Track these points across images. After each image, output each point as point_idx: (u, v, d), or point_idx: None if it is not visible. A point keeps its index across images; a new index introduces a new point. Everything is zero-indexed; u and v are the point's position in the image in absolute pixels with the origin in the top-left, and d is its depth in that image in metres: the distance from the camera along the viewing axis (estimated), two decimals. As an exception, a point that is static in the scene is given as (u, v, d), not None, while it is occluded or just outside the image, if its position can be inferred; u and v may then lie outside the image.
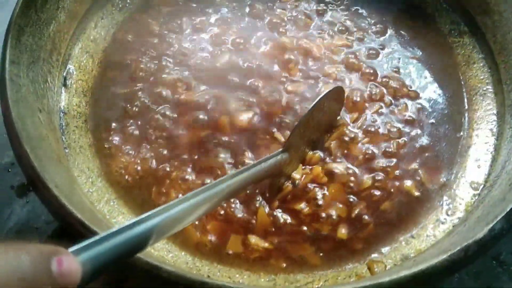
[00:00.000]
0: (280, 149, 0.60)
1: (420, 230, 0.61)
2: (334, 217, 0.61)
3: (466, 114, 0.71)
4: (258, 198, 0.61)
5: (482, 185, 0.62)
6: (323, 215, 0.61)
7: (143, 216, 0.41)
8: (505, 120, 0.65)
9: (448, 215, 0.62)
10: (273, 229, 0.60)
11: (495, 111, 0.69)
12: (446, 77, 0.74)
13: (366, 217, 0.61)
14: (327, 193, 0.62)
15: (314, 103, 0.62)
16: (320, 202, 0.61)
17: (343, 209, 0.61)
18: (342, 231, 0.60)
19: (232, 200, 0.61)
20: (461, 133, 0.69)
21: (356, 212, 0.61)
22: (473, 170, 0.65)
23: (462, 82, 0.74)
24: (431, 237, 0.60)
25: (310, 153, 0.65)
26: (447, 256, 0.44)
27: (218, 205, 0.50)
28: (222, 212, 0.61)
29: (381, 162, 0.65)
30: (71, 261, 0.32)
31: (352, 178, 0.63)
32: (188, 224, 0.47)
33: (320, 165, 0.64)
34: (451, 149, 0.67)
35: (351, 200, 0.62)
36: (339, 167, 0.64)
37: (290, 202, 0.62)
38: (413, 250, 0.59)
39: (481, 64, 0.74)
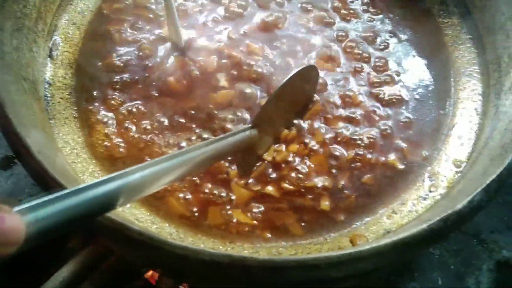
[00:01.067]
0: (249, 125, 0.59)
1: (402, 205, 0.62)
2: (317, 188, 0.61)
3: (452, 93, 0.71)
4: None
5: (465, 163, 0.63)
6: (303, 188, 0.61)
7: (105, 178, 0.40)
8: (490, 100, 0.66)
9: (430, 191, 0.62)
10: (255, 201, 0.61)
11: (480, 91, 0.69)
12: (433, 57, 0.75)
13: (348, 190, 0.62)
14: (308, 165, 0.63)
15: (284, 80, 0.61)
16: (301, 175, 0.62)
17: (326, 180, 0.62)
18: (326, 203, 0.61)
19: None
20: (446, 111, 0.70)
21: (339, 184, 0.62)
22: (457, 148, 0.66)
23: (449, 62, 0.74)
24: (413, 213, 0.61)
25: (286, 131, 0.65)
26: (426, 226, 0.45)
27: (187, 174, 0.49)
28: (202, 187, 0.61)
29: (364, 135, 0.66)
30: (14, 219, 0.32)
31: (333, 152, 0.64)
32: (154, 190, 0.45)
33: (297, 142, 0.64)
34: (435, 126, 0.68)
35: (334, 172, 0.63)
36: (317, 142, 0.64)
37: (268, 176, 0.62)
38: (395, 225, 0.60)
39: (469, 45, 0.74)
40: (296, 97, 0.65)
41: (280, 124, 0.65)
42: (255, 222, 0.60)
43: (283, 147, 0.64)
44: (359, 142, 0.65)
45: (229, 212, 0.60)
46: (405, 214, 0.61)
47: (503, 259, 0.69)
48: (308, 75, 0.66)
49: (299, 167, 0.63)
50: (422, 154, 0.66)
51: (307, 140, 0.64)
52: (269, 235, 0.59)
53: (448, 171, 0.64)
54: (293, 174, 0.62)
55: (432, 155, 0.66)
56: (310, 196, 0.61)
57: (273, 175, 0.62)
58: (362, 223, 0.61)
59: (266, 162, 0.63)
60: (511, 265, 0.69)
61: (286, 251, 0.59)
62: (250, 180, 0.62)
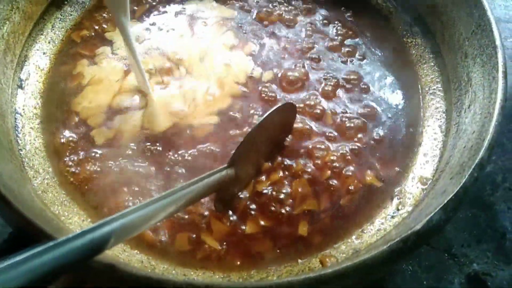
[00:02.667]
0: (225, 165, 0.59)
1: (371, 224, 0.63)
2: (297, 213, 0.62)
3: (419, 111, 0.73)
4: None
5: (430, 180, 0.65)
6: (282, 216, 0.62)
7: (91, 226, 0.41)
8: (452, 117, 0.68)
9: (398, 209, 0.64)
10: (231, 232, 0.61)
11: (443, 109, 0.71)
12: (402, 75, 0.77)
13: (325, 212, 0.63)
14: (288, 191, 0.64)
15: (261, 118, 0.62)
16: (282, 203, 0.63)
17: (308, 204, 0.63)
18: (304, 228, 0.62)
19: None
20: (413, 129, 0.71)
21: (321, 206, 0.63)
22: (423, 165, 0.67)
23: (416, 80, 0.77)
24: (381, 231, 0.62)
25: (267, 164, 0.65)
26: (386, 247, 0.46)
27: (168, 216, 0.51)
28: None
29: (337, 155, 0.67)
30: None
31: (311, 173, 0.65)
32: (137, 233, 0.47)
33: (278, 170, 0.65)
34: (405, 144, 0.69)
35: (313, 195, 0.64)
36: (297, 165, 0.66)
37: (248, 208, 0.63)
38: (364, 244, 0.61)
39: (432, 64, 0.76)
40: (274, 132, 0.66)
41: (258, 160, 0.65)
42: (226, 250, 0.60)
43: (264, 177, 0.65)
44: (334, 162, 0.66)
45: (203, 239, 0.60)
46: (373, 232, 0.62)
47: (473, 272, 0.70)
48: (285, 112, 0.67)
49: (279, 195, 0.63)
50: (393, 172, 0.67)
51: (287, 166, 0.65)
52: (239, 262, 0.59)
53: (414, 189, 0.65)
54: (273, 204, 0.63)
55: (401, 173, 0.67)
56: (288, 223, 0.62)
57: (253, 206, 0.63)
58: (333, 243, 0.62)
59: (245, 195, 0.63)
60: (481, 278, 0.70)
61: (257, 274, 0.59)
62: (229, 213, 0.62)
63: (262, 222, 0.61)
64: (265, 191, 0.63)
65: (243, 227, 0.61)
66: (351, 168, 0.66)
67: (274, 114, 0.62)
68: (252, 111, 0.71)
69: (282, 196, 0.63)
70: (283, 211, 0.62)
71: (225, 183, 0.58)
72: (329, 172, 0.65)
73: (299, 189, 0.64)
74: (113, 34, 0.79)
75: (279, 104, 0.66)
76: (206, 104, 0.71)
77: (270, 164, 0.65)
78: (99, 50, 0.77)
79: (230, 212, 0.62)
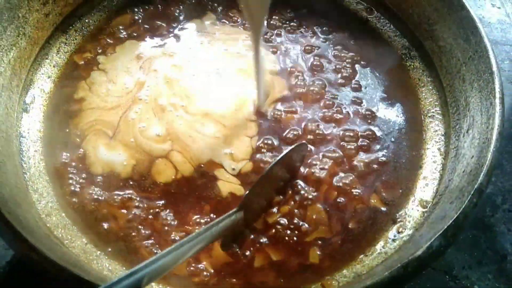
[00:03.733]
0: (235, 209, 0.60)
1: (372, 248, 0.63)
2: (307, 240, 0.63)
3: (419, 134, 0.74)
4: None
5: (430, 203, 0.65)
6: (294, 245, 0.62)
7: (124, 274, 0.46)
8: (450, 141, 0.69)
9: (398, 232, 0.64)
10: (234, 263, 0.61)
11: (442, 132, 0.72)
12: (404, 99, 0.78)
13: (335, 237, 0.63)
14: (299, 222, 0.64)
15: (276, 160, 0.62)
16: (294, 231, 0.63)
17: (321, 229, 0.63)
18: (315, 255, 0.62)
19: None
20: (414, 152, 0.72)
21: (330, 232, 0.63)
22: (423, 188, 0.68)
23: (416, 103, 0.77)
24: (382, 254, 0.62)
25: (278, 198, 0.66)
26: (387, 273, 0.46)
27: (185, 260, 0.54)
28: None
29: (344, 178, 0.68)
30: None
31: (319, 197, 0.66)
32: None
33: (289, 202, 0.66)
34: (405, 168, 0.70)
35: (326, 218, 0.64)
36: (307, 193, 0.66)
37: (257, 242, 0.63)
38: (365, 268, 0.61)
39: (430, 87, 0.77)
40: (288, 171, 0.67)
41: (269, 197, 0.65)
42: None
43: (275, 209, 0.65)
44: (339, 183, 0.67)
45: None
46: (375, 256, 0.62)
47: (475, 294, 0.71)
48: (298, 152, 0.67)
49: (291, 225, 0.63)
50: (396, 194, 0.68)
51: (297, 197, 0.66)
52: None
53: (415, 212, 0.66)
54: (284, 234, 0.63)
55: (403, 195, 0.68)
56: (299, 252, 0.62)
57: (263, 240, 0.63)
58: (337, 268, 0.62)
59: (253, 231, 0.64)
60: (483, 301, 0.70)
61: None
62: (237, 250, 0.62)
63: (272, 256, 0.62)
64: (276, 223, 0.64)
65: (249, 260, 0.61)
66: (358, 190, 0.67)
67: (286, 156, 0.63)
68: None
69: (293, 225, 0.64)
70: (294, 239, 0.63)
71: (234, 226, 0.59)
72: (336, 192, 0.66)
73: (313, 216, 0.64)
74: (105, 60, 0.80)
75: (293, 145, 0.66)
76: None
77: (281, 197, 0.66)
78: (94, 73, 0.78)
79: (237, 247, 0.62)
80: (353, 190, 0.67)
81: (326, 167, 0.68)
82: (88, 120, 0.73)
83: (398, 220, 0.65)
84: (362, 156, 0.70)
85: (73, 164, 0.68)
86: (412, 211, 0.66)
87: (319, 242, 0.63)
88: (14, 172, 0.63)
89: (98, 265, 0.60)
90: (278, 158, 0.62)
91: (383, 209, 0.66)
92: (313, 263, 0.61)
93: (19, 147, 0.68)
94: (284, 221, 0.64)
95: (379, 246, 0.63)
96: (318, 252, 0.62)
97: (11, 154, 0.65)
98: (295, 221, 0.64)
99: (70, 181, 0.67)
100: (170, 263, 0.51)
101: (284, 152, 0.63)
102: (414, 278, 0.49)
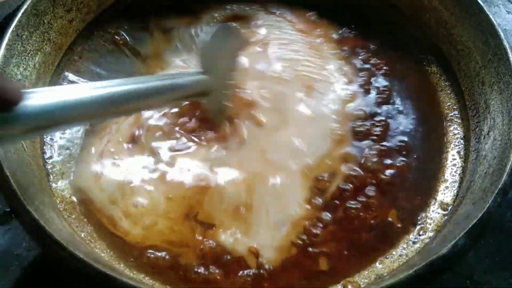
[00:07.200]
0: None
1: (393, 250, 0.63)
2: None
3: (439, 139, 0.74)
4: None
5: (451, 206, 0.65)
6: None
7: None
8: (470, 144, 0.69)
9: (419, 235, 0.64)
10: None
11: (462, 135, 0.72)
12: (423, 104, 0.77)
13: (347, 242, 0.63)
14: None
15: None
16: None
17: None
18: (324, 263, 0.62)
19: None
20: (434, 157, 0.72)
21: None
22: (443, 191, 0.68)
23: (435, 107, 0.77)
24: (403, 257, 0.62)
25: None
26: (412, 271, 0.46)
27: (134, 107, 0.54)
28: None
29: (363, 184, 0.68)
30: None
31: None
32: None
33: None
34: (425, 172, 0.70)
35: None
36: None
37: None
38: (386, 270, 0.61)
39: (448, 91, 0.77)
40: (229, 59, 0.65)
41: (226, 73, 0.64)
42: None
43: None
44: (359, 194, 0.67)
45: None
46: (395, 258, 0.62)
47: (497, 300, 0.70)
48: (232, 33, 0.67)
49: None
50: (415, 199, 0.67)
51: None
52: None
53: (435, 214, 0.65)
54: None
55: (422, 199, 0.67)
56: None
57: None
58: (355, 268, 0.62)
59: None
60: (505, 307, 0.69)
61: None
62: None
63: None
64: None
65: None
66: (376, 196, 0.67)
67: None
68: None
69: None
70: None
71: (200, 89, 0.58)
72: (352, 201, 0.66)
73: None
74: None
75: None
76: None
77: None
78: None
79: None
80: (370, 199, 0.67)
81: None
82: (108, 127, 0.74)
83: (419, 223, 0.65)
84: (385, 159, 0.70)
85: (97, 168, 0.69)
86: (433, 214, 0.66)
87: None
88: (39, 174, 0.64)
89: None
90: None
91: (403, 213, 0.66)
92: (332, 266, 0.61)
93: (42, 148, 0.70)
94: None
95: (400, 248, 0.63)
96: (326, 263, 0.62)
97: (35, 155, 0.66)
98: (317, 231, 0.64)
99: (94, 185, 0.68)
100: (92, 103, 0.49)
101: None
102: (437, 278, 0.48)
